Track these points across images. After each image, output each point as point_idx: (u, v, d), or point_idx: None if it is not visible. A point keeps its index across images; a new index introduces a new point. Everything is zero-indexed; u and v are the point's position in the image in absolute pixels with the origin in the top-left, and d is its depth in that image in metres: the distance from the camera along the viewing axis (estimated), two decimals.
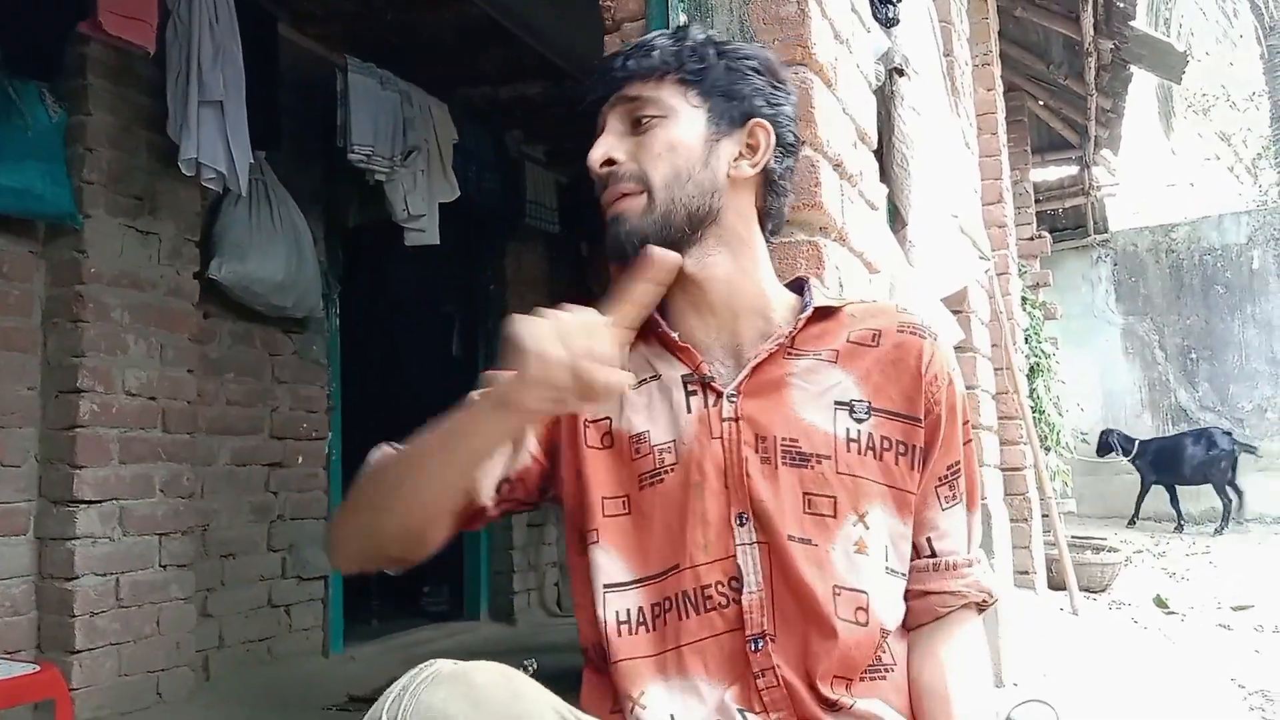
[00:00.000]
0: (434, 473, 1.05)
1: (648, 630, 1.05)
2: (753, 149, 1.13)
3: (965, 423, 1.13)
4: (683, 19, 1.42)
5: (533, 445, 1.15)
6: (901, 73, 2.39)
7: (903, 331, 1.12)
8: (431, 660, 0.88)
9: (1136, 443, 9.68)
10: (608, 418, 1.12)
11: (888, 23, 2.25)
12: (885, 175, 2.35)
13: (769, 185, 1.16)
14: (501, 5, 3.76)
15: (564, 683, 1.10)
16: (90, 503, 3.26)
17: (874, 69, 2.07)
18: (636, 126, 1.11)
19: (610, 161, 1.11)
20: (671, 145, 1.09)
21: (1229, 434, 9.62)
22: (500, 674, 0.87)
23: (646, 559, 1.07)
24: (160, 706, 3.42)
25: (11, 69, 3.15)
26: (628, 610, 1.06)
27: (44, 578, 3.25)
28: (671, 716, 1.01)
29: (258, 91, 3.61)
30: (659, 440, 1.09)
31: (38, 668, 2.62)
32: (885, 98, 2.36)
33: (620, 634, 1.05)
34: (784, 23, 1.38)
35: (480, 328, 5.67)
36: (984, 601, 1.12)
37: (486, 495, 1.13)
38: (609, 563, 1.08)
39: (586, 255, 6.04)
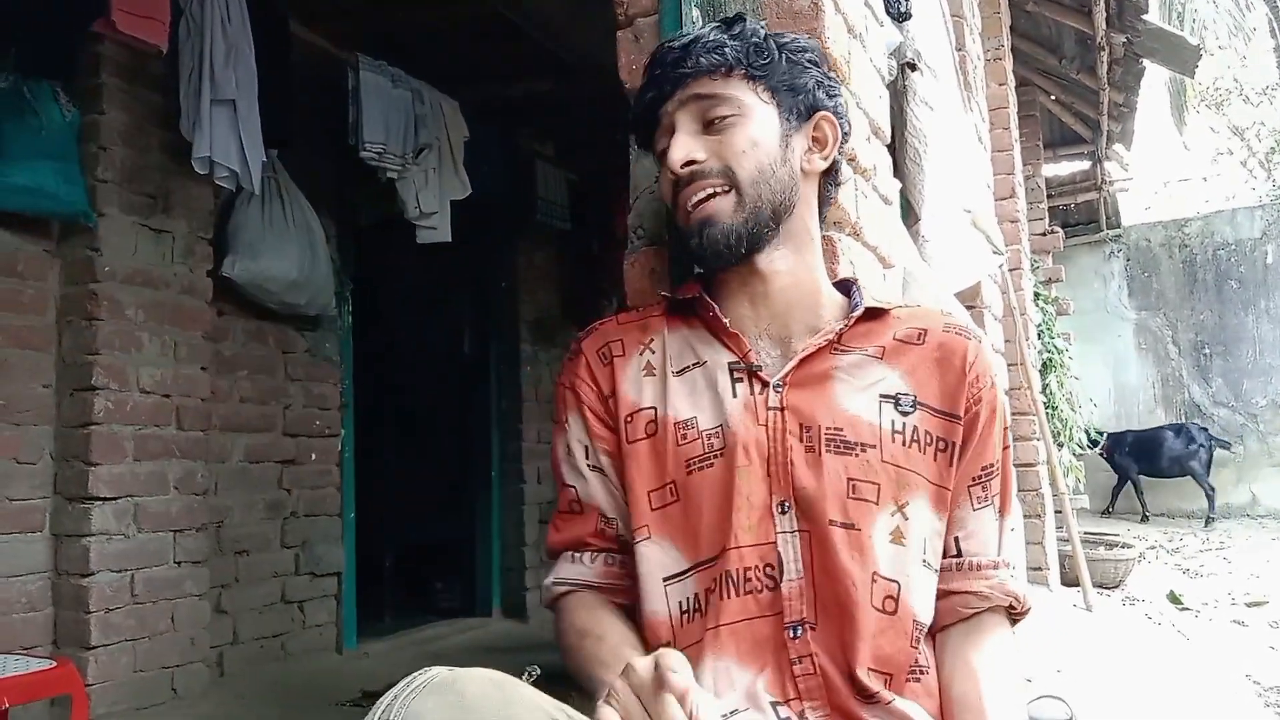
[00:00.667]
0: None
1: (701, 615, 1.06)
2: (820, 142, 1.16)
3: (1005, 429, 1.14)
4: (696, 14, 1.41)
5: (612, 473, 1.15)
6: (914, 67, 2.38)
7: (948, 332, 1.13)
8: (427, 668, 0.88)
9: (1105, 436, 9.63)
10: (653, 406, 1.13)
11: (900, 17, 2.24)
12: (898, 170, 2.34)
13: (829, 175, 1.19)
14: (511, 0, 3.76)
15: (573, 680, 1.10)
16: (105, 499, 3.27)
17: (887, 63, 2.06)
18: (709, 125, 1.11)
19: (691, 161, 1.11)
20: (754, 142, 1.10)
21: (1205, 429, 9.70)
22: (493, 682, 0.87)
23: (698, 544, 1.07)
24: (175, 702, 3.44)
25: (25, 68, 3.16)
26: (689, 599, 1.07)
27: (60, 574, 3.27)
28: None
29: (270, 90, 3.61)
30: (707, 426, 1.09)
31: (54, 663, 2.63)
32: (898, 92, 2.36)
33: (683, 624, 1.06)
34: (798, 16, 1.37)
35: (492, 325, 5.68)
36: (1012, 607, 1.12)
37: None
38: (663, 555, 1.08)
39: (598, 253, 6.04)
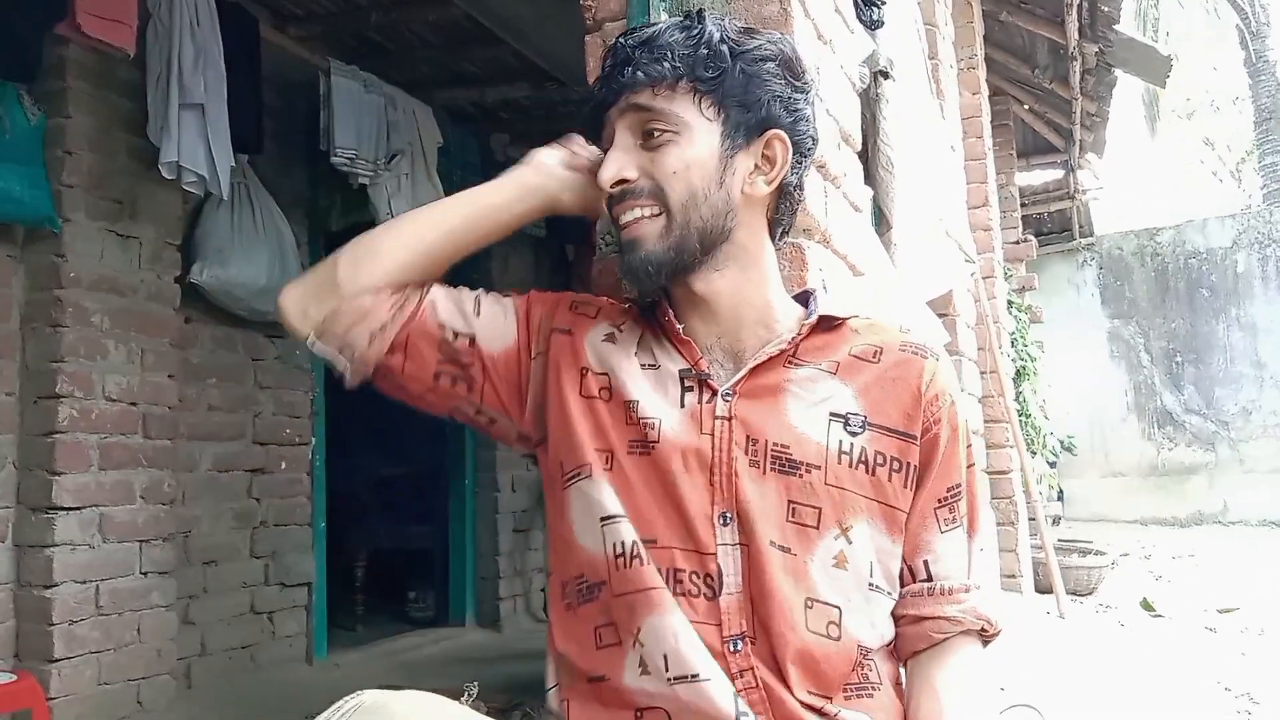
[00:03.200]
0: (448, 215, 1.22)
1: (642, 564, 1.03)
2: (769, 161, 1.10)
3: (968, 447, 1.12)
4: (664, 18, 1.40)
5: (506, 361, 1.16)
6: (886, 75, 2.38)
7: (904, 350, 1.11)
8: (358, 691, 0.87)
9: None
10: (607, 373, 1.11)
11: (872, 25, 2.24)
12: (870, 178, 2.34)
13: (782, 196, 1.14)
14: (483, 6, 3.74)
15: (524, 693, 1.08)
16: (69, 509, 3.22)
17: (858, 71, 2.06)
18: (648, 139, 1.08)
19: (622, 180, 1.08)
20: (686, 164, 1.06)
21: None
22: (424, 703, 0.85)
23: (634, 518, 1.05)
24: (141, 715, 3.38)
25: None
26: (622, 543, 1.04)
27: (22, 585, 3.21)
28: (665, 656, 1.00)
29: (239, 94, 3.58)
30: (647, 415, 1.08)
31: (14, 677, 2.60)
32: (870, 100, 2.35)
33: (619, 567, 1.04)
34: (766, 22, 1.36)
35: None
36: (984, 630, 1.10)
37: (435, 310, 1.16)
38: (604, 495, 1.06)
39: (572, 259, 6.03)
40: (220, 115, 3.45)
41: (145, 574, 3.46)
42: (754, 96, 1.08)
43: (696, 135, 1.06)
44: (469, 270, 5.70)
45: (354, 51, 4.34)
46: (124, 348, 3.43)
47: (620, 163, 1.08)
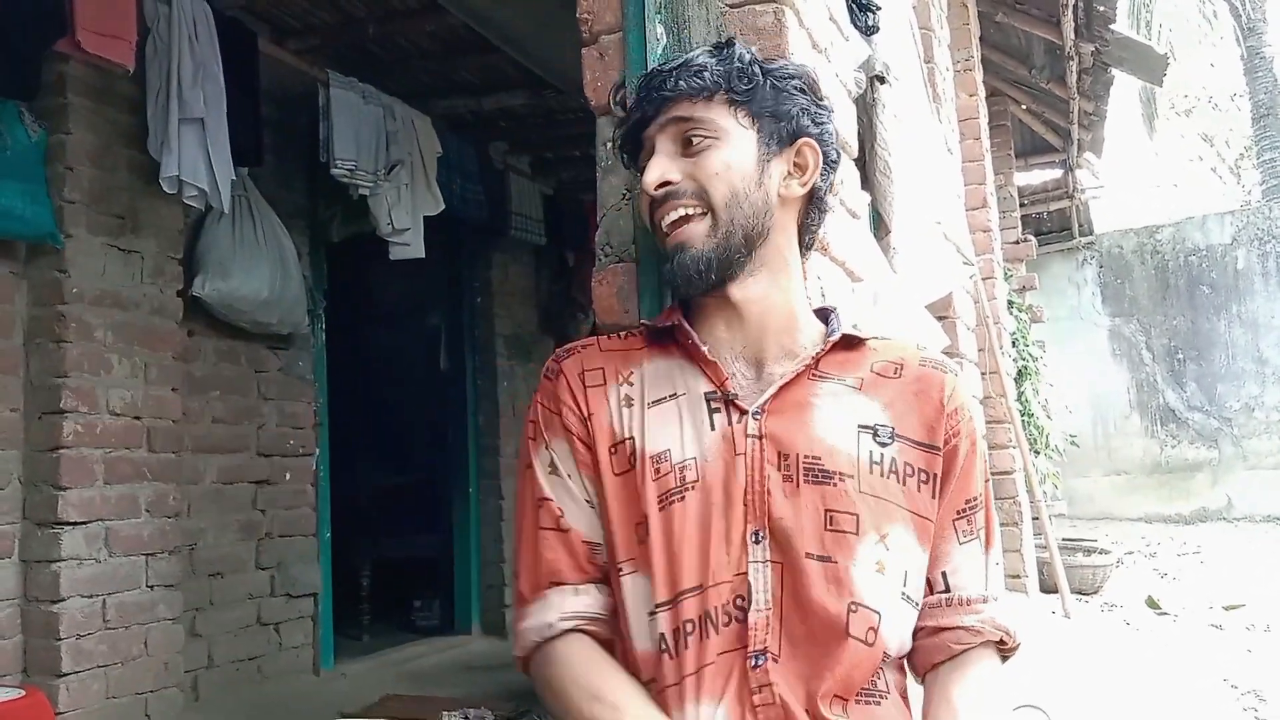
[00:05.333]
0: None
1: (670, 656, 1.04)
2: (801, 168, 1.14)
3: (984, 461, 1.14)
4: (660, 31, 1.41)
5: (596, 502, 1.12)
6: (883, 80, 2.39)
7: (924, 366, 1.14)
8: (338, 717, 0.87)
9: None
10: (630, 437, 1.11)
11: (867, 31, 2.24)
12: (868, 183, 2.34)
13: (812, 203, 1.18)
14: (480, 16, 3.76)
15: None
16: (75, 524, 3.23)
17: (854, 77, 2.07)
18: (688, 147, 1.11)
19: (666, 183, 1.11)
20: (728, 165, 1.10)
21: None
22: None
23: (675, 580, 1.05)
24: None
25: None
26: (658, 636, 1.05)
27: (29, 601, 3.22)
28: None
29: (239, 108, 3.60)
30: (679, 458, 1.08)
31: (23, 693, 2.60)
32: (867, 105, 2.36)
33: (660, 662, 1.05)
34: (761, 33, 1.37)
35: (467, 340, 5.66)
36: (1003, 641, 1.11)
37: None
38: (644, 589, 1.06)
39: (573, 266, 6.04)
40: (220, 129, 3.46)
41: (151, 587, 3.47)
42: (784, 109, 1.13)
43: (735, 140, 1.10)
44: (469, 278, 5.73)
45: (352, 63, 4.35)
46: (127, 362, 3.44)
47: (663, 167, 1.11)
